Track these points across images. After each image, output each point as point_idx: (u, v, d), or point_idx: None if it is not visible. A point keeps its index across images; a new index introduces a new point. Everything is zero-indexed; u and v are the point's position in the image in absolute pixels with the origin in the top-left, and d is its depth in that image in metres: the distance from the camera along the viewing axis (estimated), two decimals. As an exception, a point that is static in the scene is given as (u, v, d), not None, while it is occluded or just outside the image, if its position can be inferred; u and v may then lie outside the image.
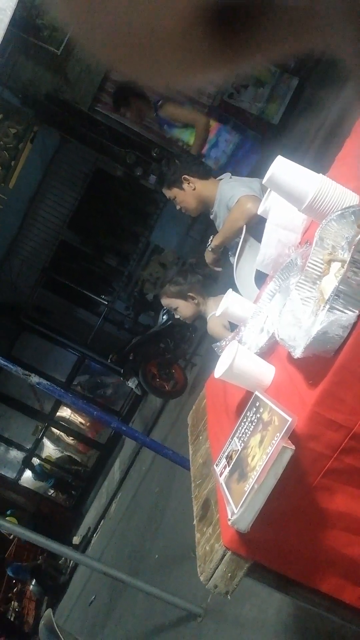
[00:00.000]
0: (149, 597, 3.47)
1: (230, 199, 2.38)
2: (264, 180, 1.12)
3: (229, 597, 1.01)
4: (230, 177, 2.57)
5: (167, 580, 3.77)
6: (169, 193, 2.71)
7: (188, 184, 2.63)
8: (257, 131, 7.07)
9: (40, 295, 8.55)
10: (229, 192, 2.43)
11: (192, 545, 3.61)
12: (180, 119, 4.17)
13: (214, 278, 2.72)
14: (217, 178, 2.64)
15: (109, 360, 7.69)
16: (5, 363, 3.00)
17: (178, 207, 2.76)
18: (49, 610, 2.11)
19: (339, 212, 1.03)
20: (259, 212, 1.46)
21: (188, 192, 2.65)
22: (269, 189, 1.44)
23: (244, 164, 4.36)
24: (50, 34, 7.13)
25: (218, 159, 4.31)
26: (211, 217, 2.71)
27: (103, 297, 8.71)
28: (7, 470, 10.11)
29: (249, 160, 4.41)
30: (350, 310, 0.93)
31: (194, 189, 2.64)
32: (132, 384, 7.15)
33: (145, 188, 7.36)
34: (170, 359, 6.97)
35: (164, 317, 7.08)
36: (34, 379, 2.94)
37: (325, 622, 2.03)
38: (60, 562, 7.86)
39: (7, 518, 7.10)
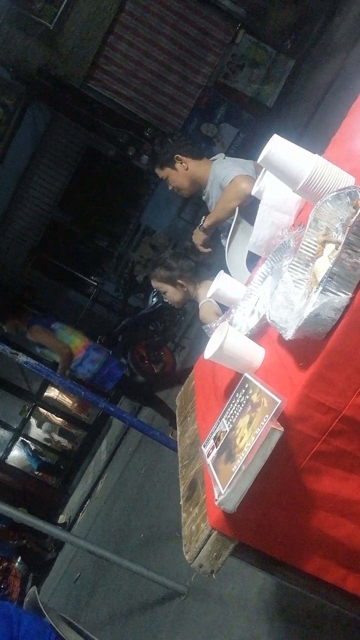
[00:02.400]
0: (134, 575, 3.52)
1: (224, 178, 2.35)
2: (259, 159, 1.10)
3: (214, 576, 1.02)
4: (224, 158, 2.53)
5: (152, 559, 3.81)
6: (162, 173, 2.68)
7: (181, 163, 2.60)
8: (251, 113, 7.00)
9: (29, 274, 8.47)
10: (222, 172, 2.40)
11: (177, 525, 3.65)
12: (46, 344, 4.53)
13: (207, 265, 2.70)
14: (211, 158, 2.61)
15: (97, 342, 7.67)
16: (-7, 342, 2.97)
17: (170, 188, 2.72)
18: (34, 588, 2.12)
19: (334, 194, 1.02)
20: (252, 193, 1.44)
21: (181, 172, 2.62)
22: (263, 169, 1.42)
23: (109, 380, 4.85)
24: (43, 7, 6.95)
25: (84, 375, 4.75)
26: (203, 197, 2.68)
27: (93, 278, 8.65)
28: (-7, 448, 10.12)
29: (114, 375, 4.86)
30: (343, 293, 0.92)
31: (187, 169, 2.60)
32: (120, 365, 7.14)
33: (137, 168, 7.27)
34: (159, 341, 6.97)
35: (154, 299, 7.06)
36: (22, 357, 2.92)
37: (306, 601, 2.07)
38: (46, 540, 7.92)
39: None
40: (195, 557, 1.02)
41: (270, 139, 1.08)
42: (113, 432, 8.55)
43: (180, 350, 7.20)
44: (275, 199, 1.31)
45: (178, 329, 7.19)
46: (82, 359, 4.66)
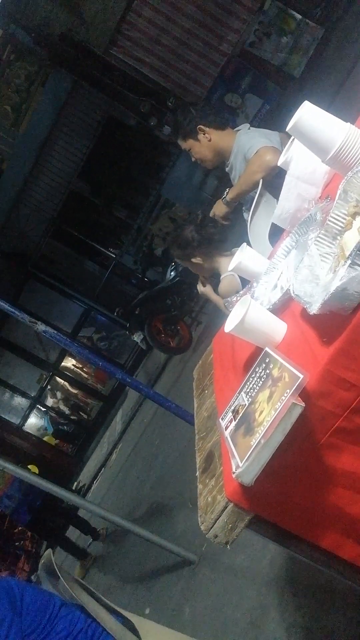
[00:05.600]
0: (145, 543, 3.59)
1: (248, 150, 2.29)
2: (288, 127, 1.06)
3: (228, 547, 1.03)
4: (249, 128, 2.46)
5: (164, 528, 3.88)
6: (184, 144, 2.62)
7: (204, 134, 2.54)
8: (277, 84, 6.80)
9: (49, 245, 8.48)
10: (247, 143, 2.34)
11: (190, 496, 3.70)
12: None
13: (222, 239, 2.63)
14: (235, 129, 2.54)
15: (115, 314, 7.70)
16: (13, 310, 2.99)
17: (193, 159, 2.67)
18: (49, 551, 2.16)
19: (367, 164, 0.98)
20: (279, 164, 1.40)
21: (204, 143, 2.56)
22: (291, 139, 1.37)
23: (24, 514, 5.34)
24: (66, -30, 6.78)
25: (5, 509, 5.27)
26: (227, 169, 2.62)
27: (111, 250, 8.63)
28: (11, 416, 10.33)
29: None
30: (372, 267, 0.89)
31: (210, 140, 2.54)
32: (137, 338, 7.17)
33: (158, 139, 7.16)
34: (177, 315, 6.96)
35: (172, 273, 7.03)
36: (40, 326, 2.94)
37: (317, 575, 2.09)
38: (62, 506, 8.10)
39: (28, 466, 7.37)
40: (211, 528, 1.03)
41: (301, 105, 1.03)
42: (128, 403, 8.65)
43: (197, 325, 7.19)
44: (303, 170, 1.27)
45: (195, 303, 7.17)
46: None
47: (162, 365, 7.79)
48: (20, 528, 7.23)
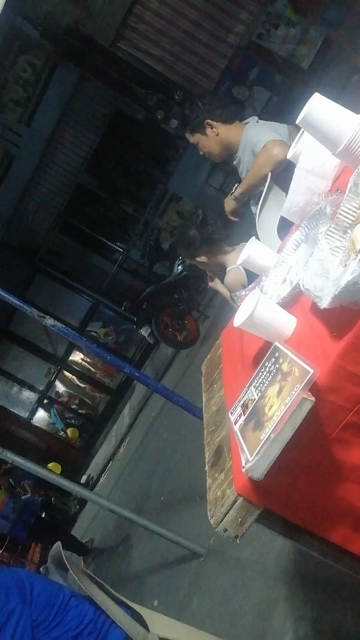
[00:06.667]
0: (153, 537, 3.60)
1: (256, 143, 2.27)
2: (298, 120, 1.05)
3: (237, 541, 1.03)
4: (257, 121, 2.44)
5: (172, 522, 3.90)
6: (192, 138, 2.61)
7: (211, 128, 2.52)
8: (285, 76, 6.74)
9: (56, 239, 8.49)
10: (255, 136, 2.32)
11: (198, 489, 3.70)
12: None
13: (223, 238, 2.62)
14: (243, 122, 2.52)
15: (122, 308, 7.72)
16: (21, 304, 3.00)
17: (201, 153, 2.65)
18: (58, 543, 2.18)
19: (378, 157, 0.97)
20: (288, 157, 1.39)
21: (211, 137, 2.54)
22: (300, 132, 1.36)
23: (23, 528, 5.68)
24: None
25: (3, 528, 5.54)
26: (234, 163, 2.61)
27: (118, 244, 8.63)
28: (20, 409, 10.39)
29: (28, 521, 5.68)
30: (384, 261, 0.88)
31: (218, 134, 2.52)
32: (144, 332, 7.18)
33: (165, 132, 7.13)
34: (184, 309, 6.96)
35: (179, 267, 7.02)
36: (49, 321, 2.94)
37: (325, 569, 2.09)
38: (70, 498, 8.18)
39: (49, 465, 7.51)
40: (220, 522, 1.03)
41: (311, 97, 1.02)
42: (136, 397, 8.68)
43: (205, 319, 7.19)
44: (312, 163, 1.26)
45: (203, 297, 7.16)
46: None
47: (170, 360, 7.80)
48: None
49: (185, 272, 6.72)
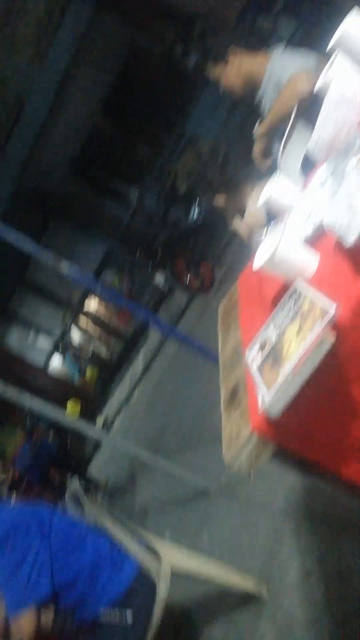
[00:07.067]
0: (166, 475, 3.72)
1: (281, 76, 2.15)
2: (332, 41, 0.98)
3: (251, 477, 1.05)
4: (283, 51, 2.30)
5: (184, 461, 4.01)
6: (213, 71, 2.48)
7: (234, 60, 2.39)
8: (313, 4, 6.32)
9: (70, 184, 8.34)
10: (279, 69, 2.20)
11: (210, 432, 3.76)
12: None
13: (244, 179, 2.53)
14: (268, 52, 2.37)
15: (137, 255, 7.66)
16: (37, 250, 2.98)
17: (222, 88, 2.53)
18: (76, 479, 2.25)
19: None
20: (317, 87, 1.31)
21: (234, 70, 2.42)
22: (330, 61, 1.28)
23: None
24: None
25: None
26: (257, 99, 2.49)
27: (134, 189, 8.47)
28: (35, 355, 10.57)
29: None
30: None
31: (240, 67, 2.40)
32: (160, 278, 7.16)
33: (184, 70, 6.81)
34: (199, 256, 6.90)
35: (195, 213, 6.90)
36: (65, 266, 2.93)
37: (333, 507, 2.15)
38: (85, 441, 8.42)
39: (68, 402, 7.78)
40: (235, 458, 1.04)
41: (348, 16, 0.95)
42: (149, 344, 8.76)
43: (221, 266, 7.12)
44: (343, 93, 1.18)
45: (219, 244, 7.06)
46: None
47: (184, 307, 7.79)
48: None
49: (202, 218, 6.61)
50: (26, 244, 2.89)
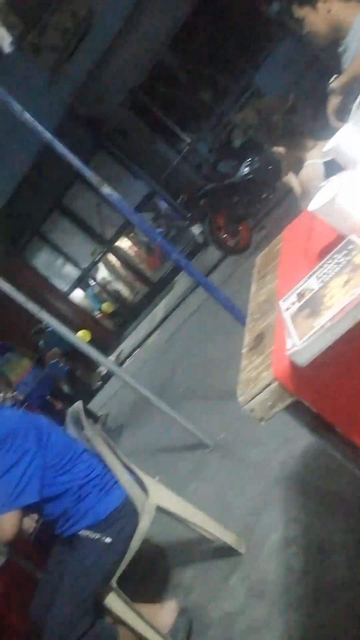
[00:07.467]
0: (166, 421, 3.74)
1: None
2: None
3: (262, 423, 1.01)
4: None
5: (186, 411, 4.03)
6: (299, 11, 2.33)
7: (324, 3, 2.23)
8: None
9: (125, 115, 8.13)
10: None
11: (217, 388, 3.73)
12: None
13: (309, 131, 2.39)
14: None
15: (178, 201, 7.50)
16: (82, 167, 2.90)
17: (305, 31, 2.37)
18: (80, 402, 2.26)
19: None
20: None
21: (321, 14, 2.26)
22: None
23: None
24: None
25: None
26: (340, 49, 2.33)
27: (187, 133, 8.23)
28: (60, 282, 10.63)
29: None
30: None
31: (329, 11, 2.24)
32: (196, 230, 7.04)
33: (264, 15, 6.46)
34: (241, 215, 6.73)
35: (246, 169, 6.68)
36: (107, 189, 2.86)
37: (327, 482, 2.12)
38: (94, 373, 8.56)
39: (78, 333, 7.90)
40: (249, 401, 1.00)
41: None
42: (174, 294, 8.72)
43: (260, 230, 6.95)
44: None
45: (263, 206, 6.86)
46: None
47: (215, 264, 7.69)
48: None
49: (251, 176, 6.40)
50: (74, 160, 2.81)
